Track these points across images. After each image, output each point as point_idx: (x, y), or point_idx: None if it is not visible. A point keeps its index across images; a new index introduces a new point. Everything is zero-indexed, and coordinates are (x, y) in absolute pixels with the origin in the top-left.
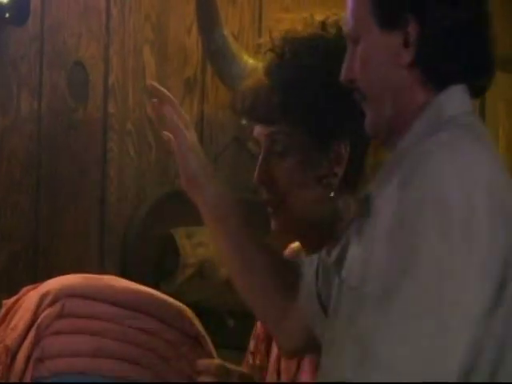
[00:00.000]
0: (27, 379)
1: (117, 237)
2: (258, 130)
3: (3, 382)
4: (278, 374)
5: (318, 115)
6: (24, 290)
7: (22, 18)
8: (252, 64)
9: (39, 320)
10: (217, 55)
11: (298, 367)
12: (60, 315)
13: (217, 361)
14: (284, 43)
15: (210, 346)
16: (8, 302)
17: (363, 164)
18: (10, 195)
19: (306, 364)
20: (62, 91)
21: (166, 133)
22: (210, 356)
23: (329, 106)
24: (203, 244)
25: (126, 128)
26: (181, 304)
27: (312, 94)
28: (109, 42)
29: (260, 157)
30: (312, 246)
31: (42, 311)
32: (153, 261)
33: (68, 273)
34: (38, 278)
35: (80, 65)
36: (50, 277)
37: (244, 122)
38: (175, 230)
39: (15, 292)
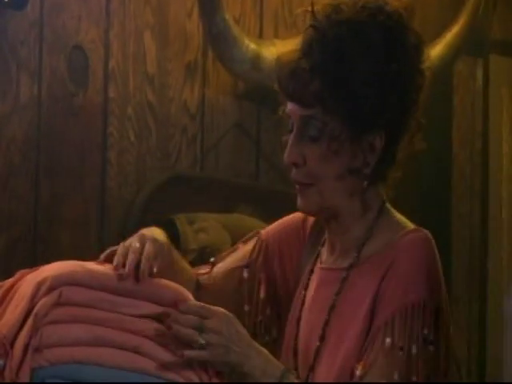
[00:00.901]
0: (25, 369)
1: (117, 222)
2: (292, 107)
3: (4, 382)
4: (295, 353)
5: (356, 106)
6: (19, 273)
7: (21, 3)
8: (253, 48)
9: (36, 308)
10: (218, 39)
11: (317, 354)
12: (57, 303)
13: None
14: (328, 23)
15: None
16: (4, 285)
17: (396, 155)
18: (8, 181)
19: (325, 356)
20: (62, 76)
21: None
22: None
23: (367, 97)
24: (204, 230)
25: (127, 113)
26: (178, 285)
27: (351, 84)
28: (109, 26)
29: (292, 136)
30: (333, 231)
31: (39, 299)
32: None
33: (67, 259)
34: (36, 264)
35: (80, 49)
36: (48, 263)
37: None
38: (176, 215)
39: None
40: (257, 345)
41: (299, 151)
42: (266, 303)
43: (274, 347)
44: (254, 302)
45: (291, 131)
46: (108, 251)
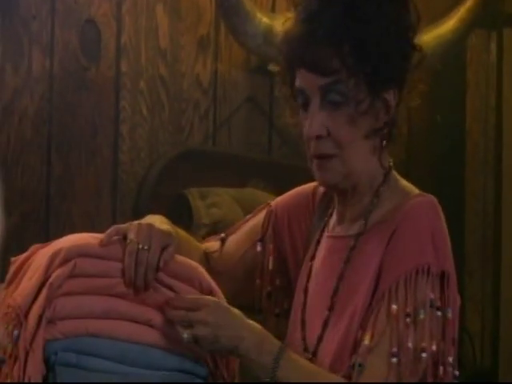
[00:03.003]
0: (39, 340)
1: (129, 197)
2: (309, 79)
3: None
4: (303, 324)
5: (379, 64)
6: (33, 247)
7: None
8: (266, 23)
9: (51, 279)
10: (230, 13)
11: (325, 324)
12: (71, 275)
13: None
14: None
15: (224, 302)
16: (17, 260)
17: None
18: (21, 155)
19: (331, 325)
20: (74, 50)
21: None
22: None
23: (388, 55)
24: (217, 204)
25: (139, 87)
26: (191, 261)
27: (371, 44)
28: (121, 0)
29: (311, 108)
30: (345, 202)
31: (53, 270)
32: None
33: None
34: (49, 238)
35: (92, 23)
36: (61, 238)
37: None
38: (189, 190)
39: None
40: (251, 324)
41: (321, 123)
42: (275, 274)
43: (286, 320)
44: (264, 274)
45: (304, 106)
46: (113, 230)
